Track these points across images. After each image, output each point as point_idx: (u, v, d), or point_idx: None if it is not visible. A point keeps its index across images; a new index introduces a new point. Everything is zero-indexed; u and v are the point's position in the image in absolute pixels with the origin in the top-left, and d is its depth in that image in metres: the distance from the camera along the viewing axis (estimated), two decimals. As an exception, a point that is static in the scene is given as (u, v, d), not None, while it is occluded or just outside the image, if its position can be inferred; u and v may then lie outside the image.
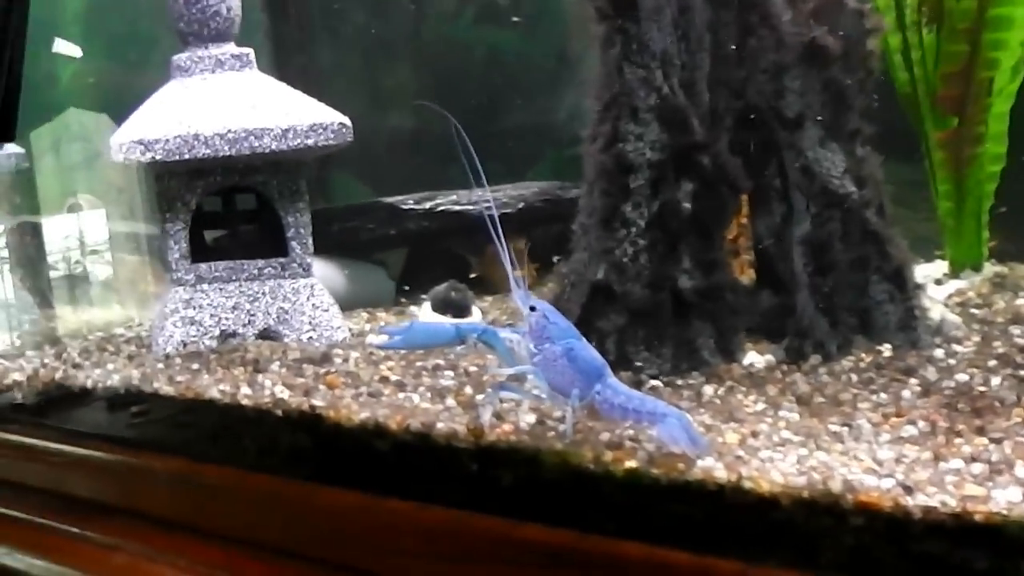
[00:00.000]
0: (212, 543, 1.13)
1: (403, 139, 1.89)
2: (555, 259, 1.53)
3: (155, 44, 2.01)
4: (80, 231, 1.96)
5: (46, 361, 1.45)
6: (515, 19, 1.96)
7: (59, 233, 1.91)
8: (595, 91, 1.14)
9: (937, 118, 1.34)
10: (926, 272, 1.41)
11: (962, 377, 0.99)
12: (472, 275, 1.59)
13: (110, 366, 1.35)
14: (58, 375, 1.36)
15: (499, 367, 0.96)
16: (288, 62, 1.78)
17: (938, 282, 1.38)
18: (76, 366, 1.38)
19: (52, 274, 1.73)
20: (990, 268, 1.41)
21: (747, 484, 0.78)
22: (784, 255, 1.17)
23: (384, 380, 1.14)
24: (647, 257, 1.08)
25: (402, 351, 1.10)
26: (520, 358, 0.93)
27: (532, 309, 0.93)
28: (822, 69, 1.10)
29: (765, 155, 1.13)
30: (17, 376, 1.42)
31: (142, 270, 1.85)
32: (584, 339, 0.92)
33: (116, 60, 2.11)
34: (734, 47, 1.09)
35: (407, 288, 1.63)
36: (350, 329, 1.41)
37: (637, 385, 1.04)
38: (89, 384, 1.30)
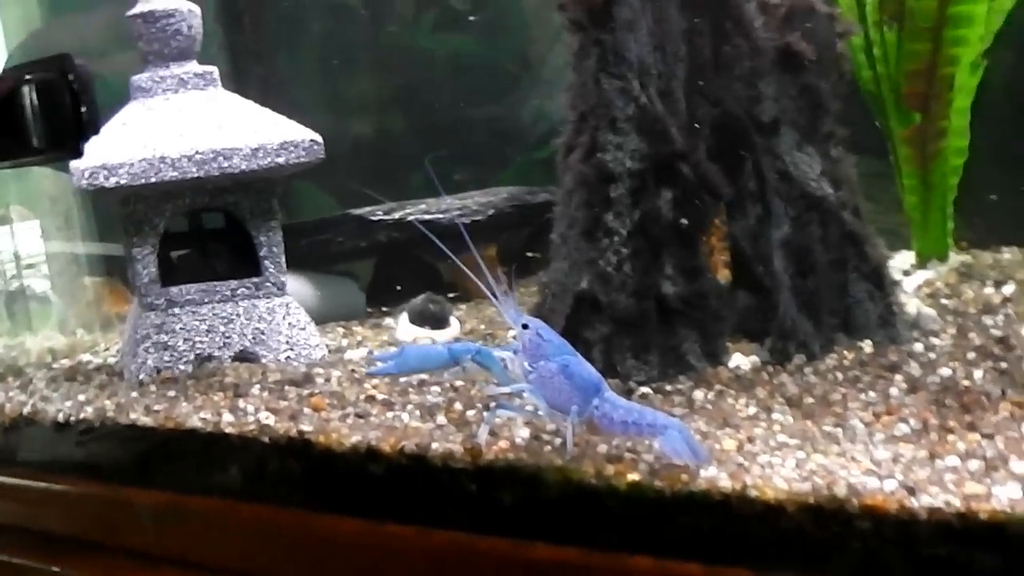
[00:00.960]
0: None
1: (366, 149, 1.87)
2: (528, 254, 1.54)
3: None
4: (14, 245, 1.91)
5: (11, 394, 1.41)
6: (471, 18, 1.96)
7: None
8: (570, 101, 1.15)
9: (901, 114, 1.36)
10: (893, 264, 1.43)
11: (945, 371, 1.02)
12: (445, 283, 1.58)
13: (81, 397, 1.31)
14: (26, 409, 1.33)
15: (493, 385, 0.95)
16: (245, 74, 1.75)
17: (906, 273, 1.41)
18: (44, 398, 1.34)
19: None
20: (956, 258, 1.45)
21: (752, 492, 0.79)
22: (760, 257, 1.18)
23: (371, 399, 1.13)
24: (630, 266, 1.09)
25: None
26: (515, 376, 0.93)
27: (525, 327, 0.93)
28: (796, 74, 1.11)
29: (742, 160, 1.14)
30: (-19, 410, 1.38)
31: (102, 291, 1.81)
32: (578, 355, 0.92)
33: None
34: (710, 55, 1.10)
35: (383, 306, 1.62)
36: (327, 346, 1.39)
37: (627, 393, 1.05)
38: (60, 417, 1.26)
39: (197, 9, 1.34)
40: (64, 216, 1.99)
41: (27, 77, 0.78)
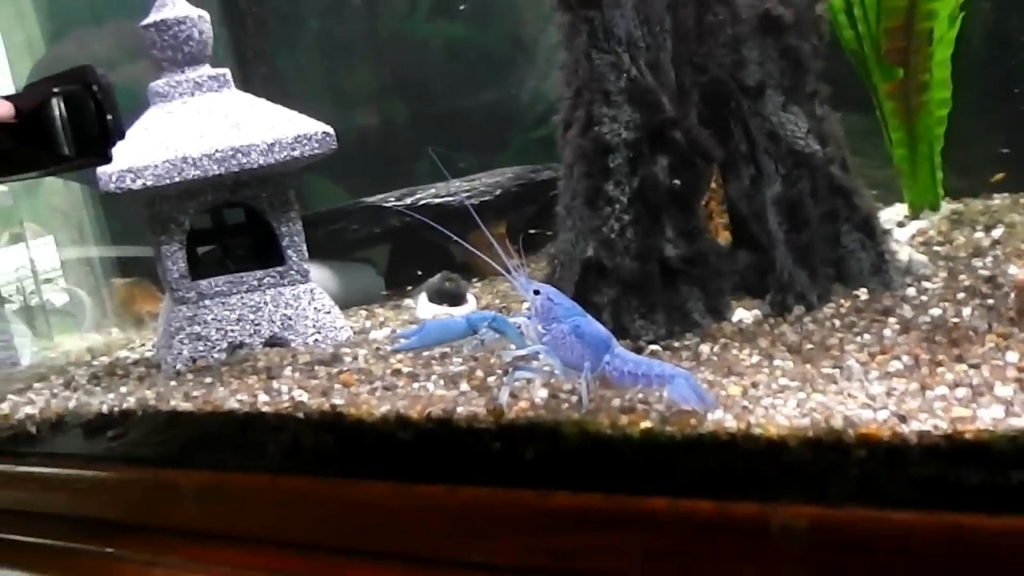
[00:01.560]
0: (246, 547, 1.18)
1: (371, 139, 1.93)
2: (531, 231, 1.60)
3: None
4: (31, 260, 1.97)
5: (55, 391, 1.48)
6: (462, 7, 2.01)
7: (8, 264, 1.92)
8: (565, 79, 1.20)
9: (884, 70, 1.41)
10: (887, 216, 1.49)
11: (936, 312, 1.07)
12: (458, 263, 1.64)
13: (123, 389, 1.38)
14: (71, 404, 1.40)
15: (511, 349, 1.02)
16: (251, 72, 1.81)
17: (900, 224, 1.46)
18: (88, 393, 1.41)
19: (8, 307, 1.75)
20: (947, 207, 1.49)
21: (756, 431, 0.85)
22: (756, 216, 1.23)
23: (397, 373, 1.19)
24: (632, 231, 1.14)
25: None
26: (530, 340, 0.99)
27: (536, 293, 0.99)
28: (777, 38, 1.16)
29: (732, 124, 1.20)
30: (29, 409, 1.45)
31: (132, 291, 1.88)
32: (588, 315, 0.99)
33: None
34: (693, 25, 1.15)
35: (401, 288, 1.68)
36: (351, 328, 1.45)
37: (637, 351, 1.10)
38: (104, 409, 1.33)
39: (206, 15, 1.40)
40: (78, 228, 2.06)
41: (55, 90, 0.83)
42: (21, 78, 2.05)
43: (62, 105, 0.82)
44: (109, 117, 0.83)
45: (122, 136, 0.86)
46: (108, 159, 0.86)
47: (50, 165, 0.88)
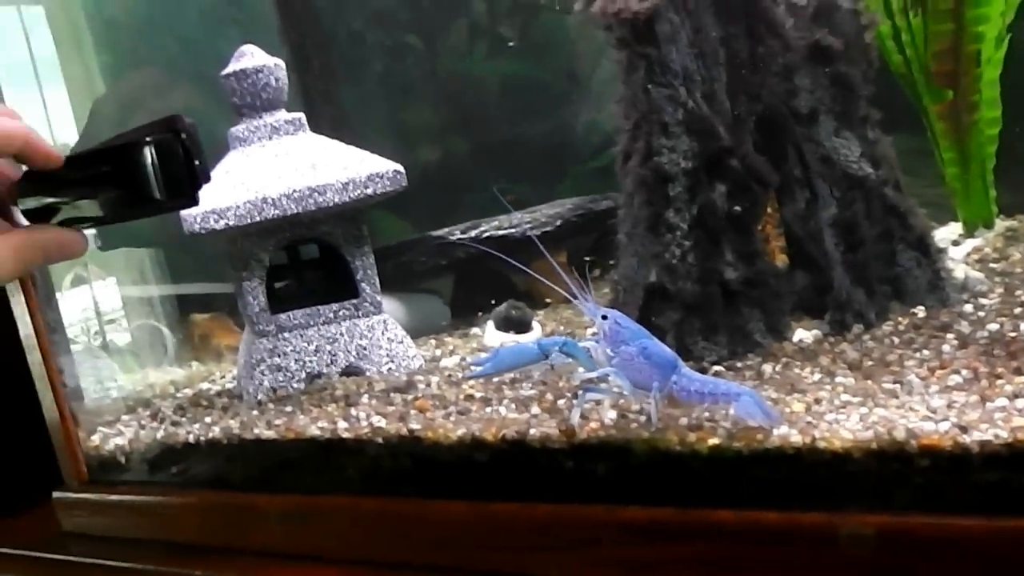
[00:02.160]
0: (329, 567, 1.24)
1: (434, 173, 2.00)
2: (586, 259, 1.64)
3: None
4: (95, 302, 2.05)
5: (143, 422, 1.56)
6: (510, 44, 2.07)
7: (74, 306, 2.00)
8: (623, 112, 1.25)
9: (934, 92, 1.44)
10: (942, 235, 1.51)
11: (993, 327, 1.09)
12: (521, 292, 1.69)
13: (207, 419, 1.45)
14: (159, 434, 1.47)
15: (581, 372, 1.06)
16: (319, 113, 1.89)
17: (955, 243, 1.48)
18: (175, 423, 1.48)
19: (72, 347, 1.82)
20: (1001, 224, 1.51)
21: (821, 444, 0.89)
22: (812, 237, 1.27)
23: (470, 398, 1.24)
24: (693, 256, 1.18)
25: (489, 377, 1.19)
26: (599, 362, 1.04)
27: (604, 317, 1.04)
28: (828, 66, 1.21)
29: (786, 150, 1.24)
30: (119, 440, 1.53)
31: (211, 325, 1.96)
32: (654, 337, 1.03)
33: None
34: (746, 57, 1.20)
35: (467, 317, 1.73)
36: (423, 356, 1.51)
37: (701, 372, 1.14)
38: (191, 439, 1.40)
39: (282, 63, 1.48)
40: (139, 269, 2.15)
41: (147, 139, 0.87)
42: (81, 113, 2.16)
43: (153, 153, 0.87)
44: (197, 163, 0.88)
45: (208, 180, 0.91)
46: (196, 202, 0.90)
47: (144, 209, 0.93)
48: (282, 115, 1.47)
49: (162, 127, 0.88)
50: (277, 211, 1.37)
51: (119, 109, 2.18)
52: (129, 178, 0.87)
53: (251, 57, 1.45)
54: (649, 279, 1.20)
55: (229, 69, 1.46)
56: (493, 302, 1.59)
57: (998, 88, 1.42)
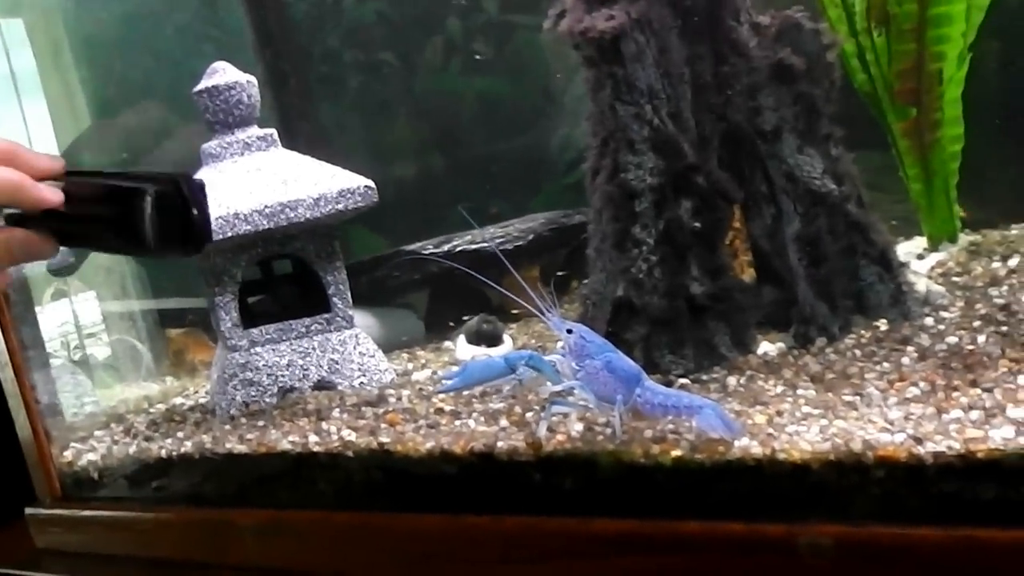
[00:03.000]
0: (303, 581, 1.25)
1: (408, 189, 2.02)
2: (559, 273, 1.66)
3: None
4: (75, 315, 2.05)
5: (116, 438, 1.56)
6: (477, 56, 2.09)
7: (54, 320, 2.00)
8: (592, 129, 1.27)
9: (897, 110, 1.47)
10: (907, 249, 1.54)
11: (952, 339, 1.11)
12: (494, 306, 1.71)
13: (179, 434, 1.45)
14: (132, 449, 1.47)
15: (548, 385, 1.08)
16: (294, 129, 1.90)
17: (920, 257, 1.51)
18: (148, 439, 1.49)
19: (52, 361, 1.82)
20: (964, 238, 1.54)
21: (781, 455, 0.90)
22: (779, 252, 1.29)
23: (439, 412, 1.25)
24: (660, 271, 1.20)
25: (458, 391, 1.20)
26: (565, 376, 1.06)
27: (569, 332, 1.05)
28: (791, 85, 1.23)
29: (751, 167, 1.26)
30: (91, 456, 1.53)
31: (185, 341, 1.97)
32: (619, 351, 1.05)
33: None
34: (711, 76, 1.22)
35: (440, 331, 1.74)
36: (395, 370, 1.52)
37: (667, 385, 1.16)
38: (163, 453, 1.40)
39: (254, 79, 1.49)
40: (120, 284, 2.15)
41: (150, 188, 0.89)
42: (61, 126, 2.16)
43: (153, 202, 0.89)
44: (193, 219, 0.89)
45: (210, 238, 0.93)
46: (188, 254, 0.92)
47: (131, 249, 1.01)
48: (254, 131, 1.48)
49: (167, 180, 0.90)
50: (249, 227, 1.37)
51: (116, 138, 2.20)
52: (126, 219, 0.90)
53: (223, 74, 1.46)
54: (616, 293, 1.22)
55: (201, 86, 1.47)
56: (466, 317, 1.60)
57: (960, 106, 1.45)
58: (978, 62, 1.46)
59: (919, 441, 0.85)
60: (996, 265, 1.40)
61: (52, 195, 0.93)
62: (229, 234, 1.38)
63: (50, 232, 0.95)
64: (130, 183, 0.91)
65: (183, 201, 0.89)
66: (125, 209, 0.89)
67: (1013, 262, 1.39)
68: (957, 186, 1.50)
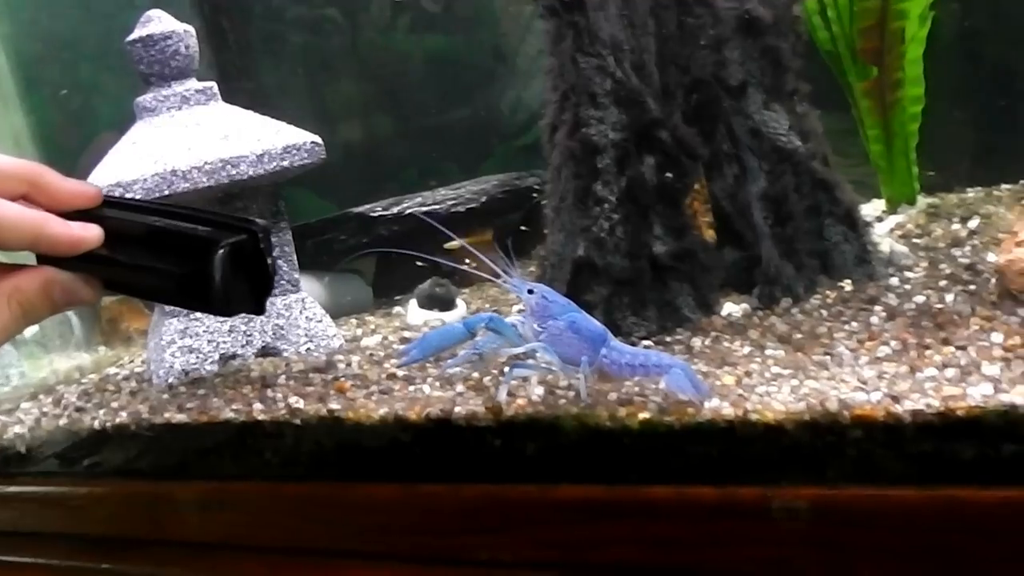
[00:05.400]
0: (249, 555, 1.19)
1: (356, 150, 1.95)
2: (520, 228, 1.62)
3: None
4: None
5: (45, 409, 1.48)
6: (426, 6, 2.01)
7: None
8: (551, 83, 1.22)
9: (859, 69, 1.44)
10: (867, 211, 1.51)
11: (920, 299, 1.10)
12: (445, 271, 1.66)
13: (114, 404, 1.38)
14: (62, 421, 1.39)
15: (509, 347, 1.03)
16: (235, 88, 1.82)
17: (879, 219, 1.49)
18: (79, 409, 1.41)
19: None
20: (923, 201, 1.53)
21: (753, 416, 0.87)
22: (741, 212, 1.26)
23: (392, 377, 1.20)
24: (622, 230, 1.16)
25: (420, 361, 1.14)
26: (527, 338, 1.01)
27: (530, 292, 1.01)
28: (757, 38, 1.19)
29: (715, 122, 1.22)
30: (18, 429, 1.44)
31: (120, 309, 1.88)
32: (582, 311, 1.00)
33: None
34: (676, 28, 1.18)
35: (389, 297, 1.69)
36: (344, 336, 1.46)
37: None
38: (96, 424, 1.33)
39: (192, 29, 1.41)
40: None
41: (223, 241, 0.73)
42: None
43: (222, 257, 0.72)
44: (271, 268, 0.75)
45: (272, 288, 0.78)
46: (256, 313, 0.78)
47: (189, 308, 0.90)
48: (192, 84, 1.40)
49: (240, 228, 0.74)
50: (187, 184, 1.30)
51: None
52: (188, 273, 0.73)
53: (159, 22, 1.38)
54: (577, 253, 1.18)
55: (135, 35, 1.38)
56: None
57: (921, 66, 1.43)
58: (937, 21, 1.44)
59: (896, 400, 0.83)
60: (956, 227, 1.39)
61: (86, 235, 0.75)
62: (167, 192, 1.30)
63: (91, 273, 0.77)
64: (192, 227, 0.74)
65: (260, 257, 0.74)
66: (187, 260, 0.73)
67: (973, 224, 1.38)
68: (917, 148, 1.49)
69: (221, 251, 0.72)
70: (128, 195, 1.29)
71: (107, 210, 0.78)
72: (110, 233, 0.76)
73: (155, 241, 0.76)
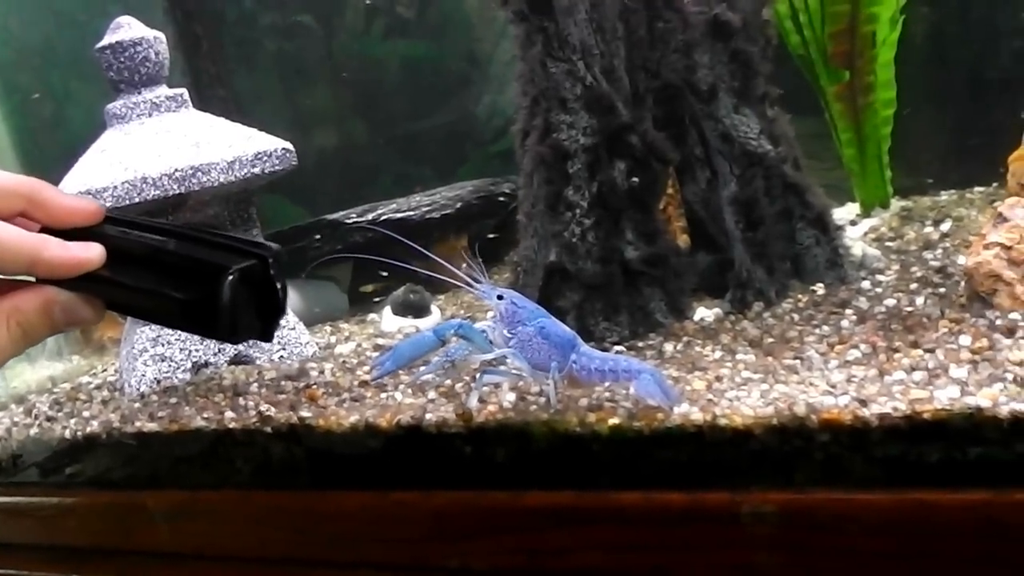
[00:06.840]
0: (219, 565, 1.18)
1: (330, 157, 1.94)
2: (489, 236, 1.61)
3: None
4: None
5: (15, 419, 1.46)
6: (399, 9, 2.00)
7: None
8: (522, 88, 1.22)
9: (831, 73, 1.45)
10: (840, 215, 1.52)
11: (890, 302, 1.10)
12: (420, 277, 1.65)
13: (85, 413, 1.36)
14: (33, 431, 1.38)
15: (479, 354, 1.02)
16: (208, 96, 1.81)
17: (852, 223, 1.50)
18: (50, 419, 1.39)
19: None
20: (896, 204, 1.53)
21: (722, 421, 0.87)
22: (713, 217, 1.26)
23: (364, 384, 1.19)
24: (593, 235, 1.16)
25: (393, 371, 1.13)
26: (497, 344, 1.00)
27: (500, 298, 1.00)
28: (727, 42, 1.19)
29: (686, 126, 1.22)
30: (-12, 439, 1.43)
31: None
32: (552, 317, 1.00)
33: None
34: (645, 32, 1.18)
35: (364, 303, 1.68)
36: (317, 343, 1.45)
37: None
38: (67, 434, 1.32)
39: (162, 36, 1.40)
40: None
41: (230, 269, 0.70)
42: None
43: (231, 284, 0.69)
44: (281, 295, 0.72)
45: (284, 312, 0.75)
46: (264, 340, 0.75)
47: (196, 333, 0.86)
48: (163, 91, 1.39)
49: (249, 253, 0.71)
50: (158, 191, 1.29)
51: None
52: (195, 299, 0.70)
53: (128, 28, 1.37)
54: (549, 259, 1.17)
55: (105, 42, 1.37)
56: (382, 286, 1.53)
57: (892, 69, 1.44)
58: (907, 25, 1.45)
59: (863, 403, 0.83)
60: (928, 230, 1.40)
61: (86, 256, 0.72)
62: (137, 200, 1.29)
63: (93, 292, 0.74)
64: (199, 249, 0.71)
65: (270, 284, 0.72)
66: (193, 285, 0.70)
67: (945, 226, 1.38)
68: (889, 151, 1.49)
69: (230, 278, 0.69)
70: (99, 202, 1.28)
71: (109, 227, 0.74)
72: (112, 252, 0.73)
73: (159, 263, 0.72)
